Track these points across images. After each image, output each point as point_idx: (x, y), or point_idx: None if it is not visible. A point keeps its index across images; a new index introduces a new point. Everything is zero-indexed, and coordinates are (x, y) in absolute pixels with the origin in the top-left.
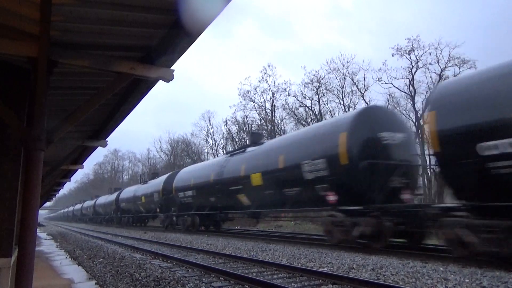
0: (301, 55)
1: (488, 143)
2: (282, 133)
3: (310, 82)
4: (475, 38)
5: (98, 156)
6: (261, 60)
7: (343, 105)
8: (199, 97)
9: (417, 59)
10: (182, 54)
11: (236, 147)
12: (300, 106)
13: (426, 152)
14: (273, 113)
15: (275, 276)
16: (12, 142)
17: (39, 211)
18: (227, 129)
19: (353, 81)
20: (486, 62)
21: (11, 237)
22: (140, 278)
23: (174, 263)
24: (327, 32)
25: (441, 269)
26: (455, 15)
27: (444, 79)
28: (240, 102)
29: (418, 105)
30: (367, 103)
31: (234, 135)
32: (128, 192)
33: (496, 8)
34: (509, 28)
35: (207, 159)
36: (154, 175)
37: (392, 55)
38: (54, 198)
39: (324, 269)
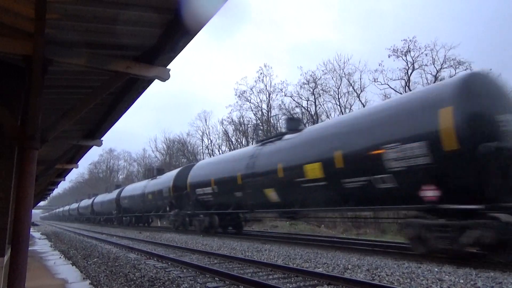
0: (291, 51)
1: None
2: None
3: (307, 82)
4: (472, 39)
5: (93, 155)
6: (257, 59)
7: (339, 105)
8: (195, 97)
9: (413, 60)
10: (178, 53)
11: (232, 148)
12: (297, 106)
13: None
14: (269, 113)
15: (270, 277)
16: (6, 141)
17: (33, 210)
18: (223, 129)
19: (349, 82)
20: (482, 64)
21: (4, 236)
22: (134, 278)
23: (169, 263)
24: (315, 26)
25: (436, 269)
26: (450, 12)
27: (440, 80)
28: (236, 102)
29: None
30: (363, 104)
31: (230, 135)
32: (131, 189)
33: (492, 9)
34: (506, 29)
35: (203, 159)
36: (160, 171)
37: (388, 56)
38: (48, 198)
39: (319, 269)
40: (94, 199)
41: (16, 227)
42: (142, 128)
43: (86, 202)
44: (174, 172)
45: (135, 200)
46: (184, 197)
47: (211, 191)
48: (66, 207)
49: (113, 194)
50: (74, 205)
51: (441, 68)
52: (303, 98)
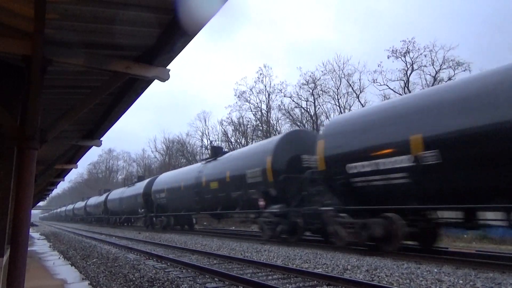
0: (291, 51)
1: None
2: (277, 134)
3: (306, 83)
4: (471, 40)
5: (92, 155)
6: (257, 59)
7: (339, 106)
8: (195, 98)
9: (412, 61)
10: (178, 54)
11: (232, 148)
12: (296, 107)
13: None
14: (269, 114)
15: (270, 277)
16: (5, 141)
17: (32, 211)
18: (223, 129)
19: (349, 83)
20: (481, 65)
21: (3, 237)
22: (134, 278)
23: (169, 264)
24: (315, 25)
25: (435, 270)
26: (449, 13)
27: (439, 81)
28: (236, 102)
29: None
30: (362, 105)
31: (230, 136)
32: (170, 179)
33: (490, 9)
34: (505, 29)
35: (202, 159)
36: (218, 149)
37: (388, 57)
38: (47, 198)
39: (319, 270)
40: (108, 195)
41: (15, 228)
42: (142, 128)
43: (96, 199)
44: (272, 141)
45: (182, 193)
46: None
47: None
48: (70, 206)
49: (137, 188)
50: (80, 204)
51: (440, 69)
52: (303, 98)
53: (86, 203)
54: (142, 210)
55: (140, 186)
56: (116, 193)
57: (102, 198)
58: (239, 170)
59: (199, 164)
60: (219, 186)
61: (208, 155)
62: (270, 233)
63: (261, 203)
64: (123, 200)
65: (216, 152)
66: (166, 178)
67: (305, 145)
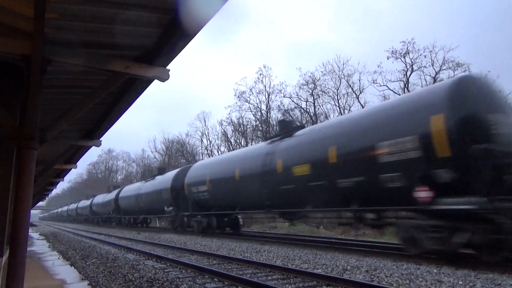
0: (290, 51)
1: None
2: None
3: (306, 83)
4: (470, 40)
5: (92, 155)
6: (257, 59)
7: (338, 107)
8: (195, 98)
9: (412, 62)
10: (178, 54)
11: (232, 149)
12: (295, 107)
13: None
14: (268, 114)
15: (269, 278)
16: (4, 141)
17: (31, 211)
18: (222, 130)
19: (348, 83)
20: (480, 65)
21: (3, 237)
22: (133, 279)
23: (168, 264)
24: (314, 26)
25: (435, 271)
26: (448, 14)
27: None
28: (236, 103)
29: None
30: (362, 106)
31: (229, 136)
32: (219, 167)
33: (490, 10)
34: (504, 30)
35: (202, 159)
36: (289, 123)
37: (387, 58)
38: (47, 198)
39: (318, 270)
40: (119, 192)
41: (14, 228)
42: (141, 128)
43: (104, 197)
44: (442, 88)
45: (238, 184)
46: None
47: None
48: (72, 206)
49: (160, 182)
50: (84, 203)
51: (440, 70)
52: (302, 99)
53: (91, 201)
54: (170, 208)
55: (165, 179)
56: (130, 189)
57: (112, 195)
58: (359, 144)
59: (262, 144)
60: (313, 171)
61: (207, 156)
62: (434, 245)
63: (424, 194)
64: (141, 197)
65: (287, 126)
66: (208, 166)
67: (490, 100)
